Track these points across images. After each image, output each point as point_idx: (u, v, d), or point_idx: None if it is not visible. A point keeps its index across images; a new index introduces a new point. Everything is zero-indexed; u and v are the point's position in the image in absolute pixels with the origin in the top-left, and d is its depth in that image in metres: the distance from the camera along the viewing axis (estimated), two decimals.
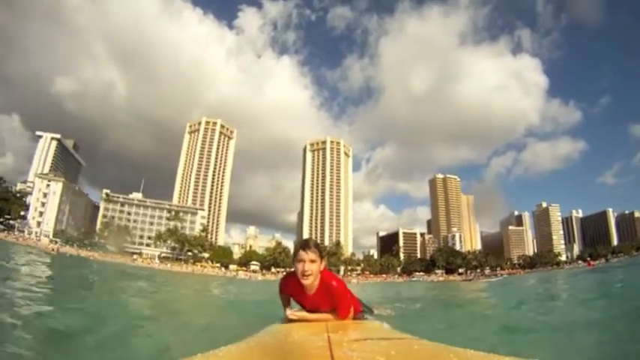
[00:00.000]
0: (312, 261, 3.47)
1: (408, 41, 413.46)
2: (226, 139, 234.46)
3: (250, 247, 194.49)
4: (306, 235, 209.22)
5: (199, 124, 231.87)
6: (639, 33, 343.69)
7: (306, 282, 3.50)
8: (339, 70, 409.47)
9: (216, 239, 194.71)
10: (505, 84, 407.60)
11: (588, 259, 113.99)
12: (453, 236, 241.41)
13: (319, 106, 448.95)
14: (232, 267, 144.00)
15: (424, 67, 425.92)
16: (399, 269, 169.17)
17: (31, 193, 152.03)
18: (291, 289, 3.84)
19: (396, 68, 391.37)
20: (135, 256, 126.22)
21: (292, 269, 3.68)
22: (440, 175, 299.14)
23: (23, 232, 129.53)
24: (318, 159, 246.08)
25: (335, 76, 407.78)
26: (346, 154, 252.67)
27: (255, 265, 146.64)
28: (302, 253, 3.48)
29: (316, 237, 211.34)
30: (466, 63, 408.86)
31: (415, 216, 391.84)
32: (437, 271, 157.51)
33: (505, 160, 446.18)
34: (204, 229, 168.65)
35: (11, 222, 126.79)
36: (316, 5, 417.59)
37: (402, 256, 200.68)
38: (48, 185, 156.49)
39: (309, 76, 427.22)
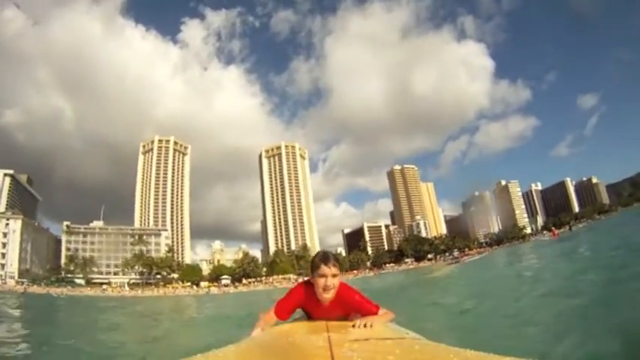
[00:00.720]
0: (334, 275, 3.36)
1: (352, 39, 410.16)
2: (181, 155, 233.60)
3: (218, 261, 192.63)
4: (272, 243, 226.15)
5: (152, 142, 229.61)
6: (579, 7, 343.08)
7: (327, 296, 3.37)
8: (287, 75, 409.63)
9: (182, 258, 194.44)
10: (453, 71, 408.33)
11: (553, 228, 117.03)
12: (418, 224, 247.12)
13: (270, 112, 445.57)
14: (203, 284, 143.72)
15: (371, 63, 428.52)
16: (368, 263, 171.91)
17: None
18: (300, 303, 3.67)
19: (343, 66, 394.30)
20: (104, 287, 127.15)
21: (302, 279, 3.58)
22: (397, 167, 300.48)
23: None
24: (275, 165, 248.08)
25: (283, 80, 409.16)
26: (302, 157, 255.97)
27: (226, 279, 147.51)
28: (324, 268, 3.34)
29: (282, 242, 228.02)
30: (412, 54, 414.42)
31: (377, 209, 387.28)
32: (406, 260, 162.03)
33: (460, 144, 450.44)
34: (170, 250, 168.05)
35: None
36: (259, 12, 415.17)
37: (369, 250, 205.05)
38: (7, 224, 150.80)
39: (258, 83, 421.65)
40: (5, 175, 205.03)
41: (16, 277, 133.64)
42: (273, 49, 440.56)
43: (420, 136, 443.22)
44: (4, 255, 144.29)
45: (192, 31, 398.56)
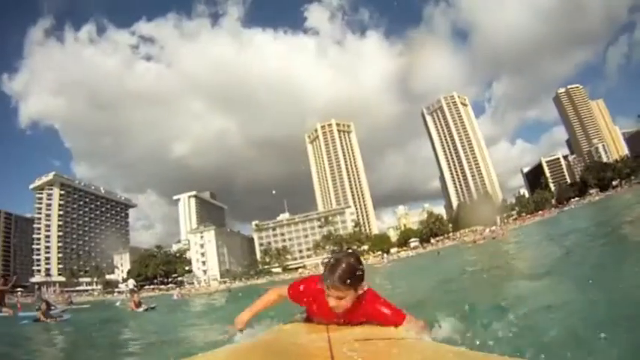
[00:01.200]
0: (340, 297, 2.82)
1: None
2: (346, 134, 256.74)
3: (404, 225, 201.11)
4: (453, 198, 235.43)
5: (316, 131, 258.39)
6: None
7: (336, 312, 2.90)
8: (423, 26, 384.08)
9: (370, 230, 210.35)
10: None
11: None
12: (597, 149, 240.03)
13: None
14: (393, 250, 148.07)
15: None
16: (553, 201, 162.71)
17: (188, 249, 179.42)
18: (313, 298, 3.21)
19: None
20: (300, 270, 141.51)
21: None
22: (562, 89, 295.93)
23: (192, 283, 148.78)
24: (439, 119, 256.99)
25: (422, 32, 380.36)
26: (463, 104, 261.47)
27: (414, 242, 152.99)
28: (329, 291, 2.85)
29: (463, 195, 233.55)
30: None
31: (553, 139, 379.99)
32: (591, 191, 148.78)
33: (620, 47, 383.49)
34: (357, 224, 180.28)
35: (179, 279, 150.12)
36: None
37: (552, 186, 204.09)
38: (202, 237, 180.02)
39: (399, 42, 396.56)
40: (189, 197, 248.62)
41: (219, 278, 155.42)
42: (401, 4, 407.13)
43: (577, 49, 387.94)
44: (204, 262, 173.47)
45: (316, 15, 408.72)
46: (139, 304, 19.26)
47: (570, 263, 9.15)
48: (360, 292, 2.90)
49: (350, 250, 3.07)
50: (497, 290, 7.07)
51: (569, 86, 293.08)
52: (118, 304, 29.04)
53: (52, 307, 16.70)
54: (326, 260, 3.01)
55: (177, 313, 18.89)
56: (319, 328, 2.89)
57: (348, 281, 2.79)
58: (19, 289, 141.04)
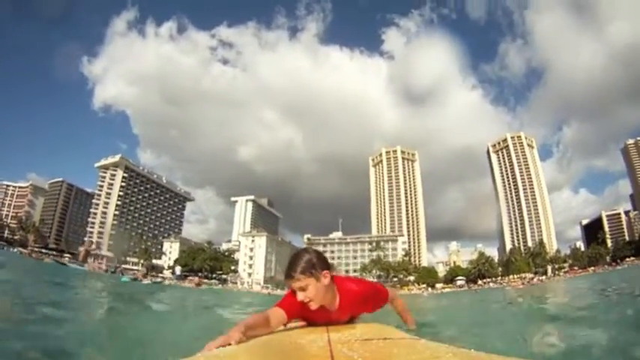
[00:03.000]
0: (302, 288, 2.81)
1: (553, 3, 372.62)
2: (410, 163, 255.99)
3: (454, 262, 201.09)
4: (508, 241, 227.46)
5: (380, 155, 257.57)
6: None
7: (314, 307, 2.88)
8: (498, 61, 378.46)
9: (419, 261, 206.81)
10: None
11: None
12: None
13: (491, 102, 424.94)
14: (438, 285, 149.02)
15: (581, 24, 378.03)
16: (608, 258, 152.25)
17: (238, 250, 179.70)
18: (306, 309, 2.99)
19: (552, 37, 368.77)
20: None
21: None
22: (631, 141, 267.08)
23: (236, 283, 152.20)
24: (503, 158, 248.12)
25: (495, 68, 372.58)
26: (530, 146, 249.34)
27: (460, 280, 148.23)
28: (288, 282, 2.89)
29: (518, 239, 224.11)
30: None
31: (618, 192, 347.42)
32: None
33: None
34: (407, 254, 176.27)
35: (223, 276, 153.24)
36: (451, 4, 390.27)
37: (609, 242, 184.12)
38: (253, 241, 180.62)
39: (472, 75, 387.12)
40: (247, 200, 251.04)
41: (262, 283, 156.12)
42: (477, 37, 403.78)
43: None
44: (251, 266, 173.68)
45: (393, 39, 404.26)
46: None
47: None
48: (325, 280, 2.91)
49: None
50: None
51: (638, 138, 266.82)
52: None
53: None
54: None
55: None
56: (319, 328, 2.94)
57: (303, 270, 2.83)
58: (67, 254, 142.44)
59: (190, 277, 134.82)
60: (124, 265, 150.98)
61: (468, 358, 1.58)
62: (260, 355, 2.08)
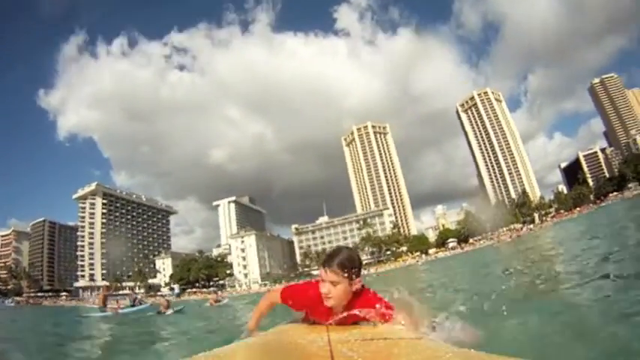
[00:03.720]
0: (333, 282, 2.84)
1: None
2: (382, 136, 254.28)
3: (443, 225, 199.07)
4: (491, 196, 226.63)
5: (352, 133, 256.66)
6: None
7: (327, 303, 2.89)
8: (454, 20, 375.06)
9: (408, 230, 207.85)
10: None
11: None
12: (635, 140, 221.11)
13: (454, 62, 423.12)
14: (431, 251, 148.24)
15: None
16: (591, 197, 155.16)
17: (229, 254, 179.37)
18: (308, 304, 3.17)
19: None
20: None
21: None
22: (596, 80, 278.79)
23: (234, 286, 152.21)
24: (473, 116, 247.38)
25: (452, 27, 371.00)
26: (497, 100, 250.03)
27: (452, 242, 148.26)
28: (321, 272, 2.92)
29: (501, 193, 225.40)
30: None
31: (592, 131, 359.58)
32: (629, 186, 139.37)
33: None
34: (395, 226, 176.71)
35: (220, 282, 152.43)
36: None
37: (590, 181, 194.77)
38: (242, 241, 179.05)
39: (431, 38, 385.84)
40: (229, 202, 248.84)
41: (259, 281, 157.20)
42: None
43: (611, 36, 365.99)
44: (245, 266, 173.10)
45: (345, 16, 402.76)
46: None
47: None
48: (354, 287, 2.92)
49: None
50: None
51: (603, 76, 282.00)
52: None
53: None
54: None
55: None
56: (319, 328, 2.92)
57: (345, 268, 2.84)
58: (63, 293, 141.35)
59: (189, 290, 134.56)
60: (120, 292, 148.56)
61: (468, 358, 1.59)
62: (260, 354, 2.11)
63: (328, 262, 2.85)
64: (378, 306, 2.90)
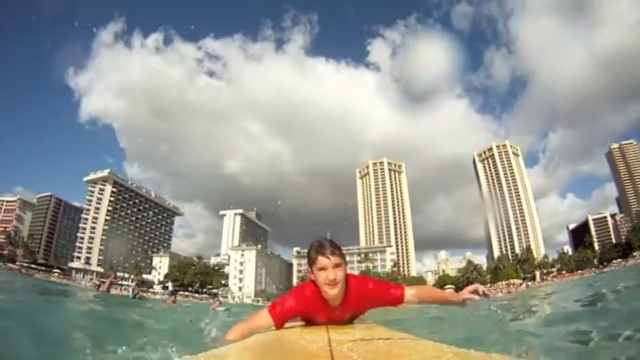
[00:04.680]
0: (337, 265, 2.77)
1: (536, 11, 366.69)
2: (396, 174, 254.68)
3: (443, 271, 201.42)
4: (495, 248, 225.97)
5: (367, 167, 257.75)
6: None
7: (333, 292, 2.79)
8: (483, 70, 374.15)
9: (408, 271, 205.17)
10: None
11: None
12: None
13: (477, 111, 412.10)
14: None
15: (565, 31, 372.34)
16: (595, 261, 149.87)
17: (228, 264, 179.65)
18: (304, 309, 3.04)
19: (536, 45, 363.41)
20: None
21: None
22: (614, 145, 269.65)
23: (226, 297, 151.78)
24: (489, 167, 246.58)
25: (481, 77, 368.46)
26: (515, 154, 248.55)
27: (450, 289, 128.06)
28: (322, 259, 2.79)
29: (505, 247, 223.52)
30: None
31: (605, 196, 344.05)
32: (634, 254, 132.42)
33: None
34: (395, 264, 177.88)
35: (213, 291, 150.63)
36: (435, 15, 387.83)
37: (596, 245, 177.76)
38: (242, 255, 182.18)
39: (458, 84, 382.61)
40: (236, 214, 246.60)
41: (252, 297, 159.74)
42: (462, 47, 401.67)
43: (636, 102, 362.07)
44: (241, 279, 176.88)
45: (378, 51, 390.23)
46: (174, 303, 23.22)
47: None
48: (346, 269, 2.91)
49: None
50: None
51: (622, 142, 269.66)
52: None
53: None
54: (310, 246, 2.99)
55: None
56: (319, 328, 2.88)
57: (338, 249, 2.84)
58: (56, 270, 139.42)
59: (181, 292, 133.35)
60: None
61: (468, 358, 1.58)
62: (260, 355, 2.09)
63: (326, 247, 2.79)
64: (382, 288, 2.94)
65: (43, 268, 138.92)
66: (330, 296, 2.81)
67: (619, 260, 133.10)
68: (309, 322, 3.15)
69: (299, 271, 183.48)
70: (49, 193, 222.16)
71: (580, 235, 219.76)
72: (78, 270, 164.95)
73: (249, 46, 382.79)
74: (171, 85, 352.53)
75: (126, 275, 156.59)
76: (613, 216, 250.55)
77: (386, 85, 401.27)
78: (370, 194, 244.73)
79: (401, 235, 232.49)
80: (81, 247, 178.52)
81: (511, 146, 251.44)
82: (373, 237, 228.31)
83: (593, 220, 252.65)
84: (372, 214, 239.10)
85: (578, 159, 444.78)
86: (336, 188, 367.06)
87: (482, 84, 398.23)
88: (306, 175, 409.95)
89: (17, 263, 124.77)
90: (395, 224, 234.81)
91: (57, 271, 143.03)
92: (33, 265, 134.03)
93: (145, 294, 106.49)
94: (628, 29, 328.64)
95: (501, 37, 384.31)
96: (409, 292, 2.89)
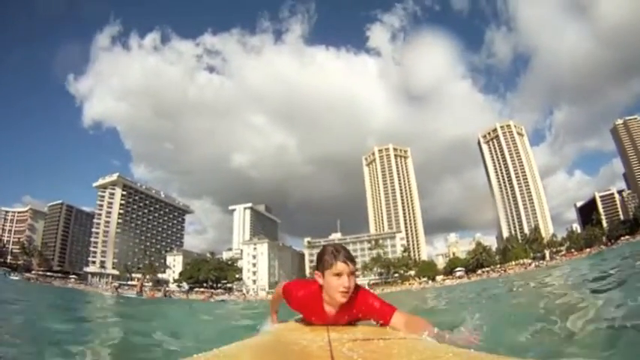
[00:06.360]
0: (352, 273, 2.76)
1: None
2: (402, 159, 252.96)
3: (453, 253, 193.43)
4: (505, 229, 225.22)
5: (373, 154, 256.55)
6: None
7: (344, 299, 2.76)
8: (485, 49, 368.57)
9: (419, 255, 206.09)
10: None
11: None
12: None
13: (481, 91, 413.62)
14: (438, 278, 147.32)
15: (568, 6, 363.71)
16: (603, 238, 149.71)
17: (240, 258, 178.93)
18: (302, 304, 3.09)
19: (537, 22, 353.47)
20: None
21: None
22: (619, 121, 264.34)
23: (241, 291, 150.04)
24: (494, 148, 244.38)
25: (483, 56, 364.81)
26: (519, 134, 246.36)
27: (460, 271, 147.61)
28: (340, 265, 2.72)
29: (514, 226, 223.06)
30: None
31: (613, 172, 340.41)
32: None
33: None
34: (405, 249, 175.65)
35: (228, 285, 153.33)
36: None
37: (604, 222, 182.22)
38: (255, 248, 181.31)
39: (460, 65, 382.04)
40: (245, 208, 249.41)
41: (267, 289, 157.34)
42: (462, 27, 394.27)
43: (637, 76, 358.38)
44: (255, 273, 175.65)
45: (378, 36, 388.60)
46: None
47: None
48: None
49: None
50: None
51: (627, 117, 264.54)
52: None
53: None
54: (322, 250, 2.92)
55: None
56: (319, 328, 2.91)
57: (354, 259, 2.82)
58: (72, 276, 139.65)
59: (196, 289, 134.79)
60: (129, 282, 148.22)
61: (468, 358, 1.58)
62: (260, 354, 2.08)
63: (347, 254, 2.76)
64: (376, 304, 2.86)
65: (60, 274, 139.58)
66: (337, 302, 2.80)
67: (627, 237, 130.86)
68: (309, 323, 3.17)
69: (311, 261, 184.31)
70: (59, 201, 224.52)
71: (588, 212, 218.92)
72: (94, 274, 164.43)
73: (247, 39, 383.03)
74: (172, 83, 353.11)
75: (139, 276, 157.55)
76: (620, 192, 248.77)
77: (388, 70, 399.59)
78: (377, 181, 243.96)
79: (410, 220, 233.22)
80: (95, 252, 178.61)
81: (515, 126, 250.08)
82: (382, 223, 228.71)
83: (600, 196, 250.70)
84: (380, 200, 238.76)
85: (584, 135, 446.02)
86: (344, 176, 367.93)
87: (485, 63, 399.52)
88: (313, 164, 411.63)
89: (33, 272, 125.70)
90: (403, 210, 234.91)
91: (73, 276, 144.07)
92: (49, 273, 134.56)
93: (172, 293, 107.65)
94: (630, 2, 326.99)
95: (501, 14, 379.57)
96: (397, 320, 2.75)
